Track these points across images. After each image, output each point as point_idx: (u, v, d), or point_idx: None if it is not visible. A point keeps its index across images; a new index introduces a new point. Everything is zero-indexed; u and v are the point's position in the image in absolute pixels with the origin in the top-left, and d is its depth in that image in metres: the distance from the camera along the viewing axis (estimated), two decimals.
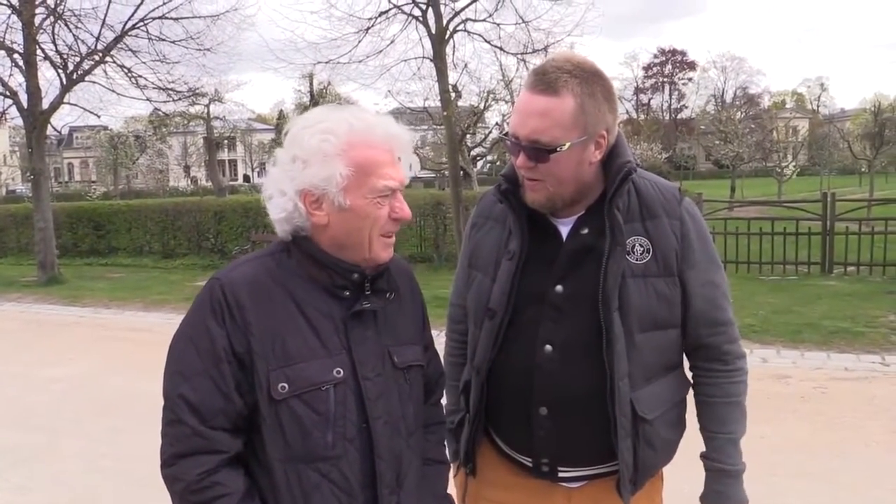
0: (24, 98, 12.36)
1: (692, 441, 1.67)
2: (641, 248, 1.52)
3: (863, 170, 38.66)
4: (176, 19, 12.59)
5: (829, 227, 11.04)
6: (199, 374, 1.28)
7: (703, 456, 1.64)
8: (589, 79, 1.44)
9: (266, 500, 1.33)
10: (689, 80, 75.62)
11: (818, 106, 72.72)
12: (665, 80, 76.86)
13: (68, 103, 12.99)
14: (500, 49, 11.38)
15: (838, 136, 39.04)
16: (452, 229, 11.70)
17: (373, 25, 10.81)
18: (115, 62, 12.76)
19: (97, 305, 10.43)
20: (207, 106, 28.67)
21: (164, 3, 12.43)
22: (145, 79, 12.98)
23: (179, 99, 14.01)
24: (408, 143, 1.38)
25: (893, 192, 31.83)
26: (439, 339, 1.66)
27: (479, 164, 32.19)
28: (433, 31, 10.47)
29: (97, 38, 12.42)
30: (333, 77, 19.36)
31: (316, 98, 28.64)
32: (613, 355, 1.48)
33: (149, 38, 12.63)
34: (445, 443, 1.67)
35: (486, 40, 11.15)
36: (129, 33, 12.49)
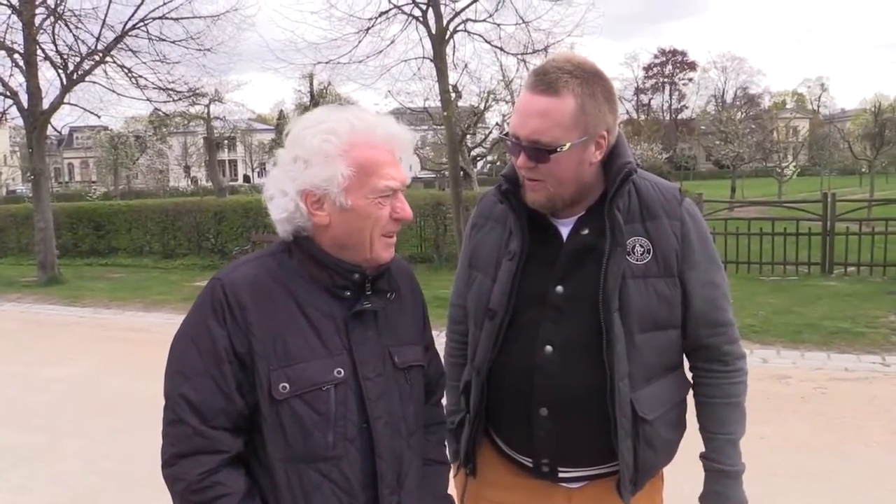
0: (24, 98, 12.37)
1: (692, 441, 1.67)
2: (642, 249, 1.52)
3: (863, 170, 38.65)
4: (176, 19, 12.60)
5: (829, 228, 11.04)
6: (201, 374, 1.28)
7: (703, 456, 1.64)
8: (589, 79, 1.44)
9: (267, 499, 1.33)
10: (690, 80, 75.74)
11: (818, 106, 72.74)
12: (665, 80, 76.88)
13: (68, 103, 13.01)
14: (501, 49, 11.39)
15: (839, 137, 39.01)
16: (452, 229, 11.71)
17: (373, 26, 10.82)
18: (115, 62, 12.77)
19: (97, 305, 10.43)
20: (207, 106, 28.69)
21: (165, 4, 12.45)
22: (145, 79, 12.99)
23: (179, 99, 14.02)
24: (409, 143, 1.38)
25: (894, 192, 31.81)
26: (439, 340, 1.66)
27: (480, 164, 32.22)
28: (433, 31, 10.47)
29: (97, 39, 12.44)
30: (334, 77, 19.39)
31: (316, 98, 28.65)
32: (614, 356, 1.48)
33: (149, 39, 12.65)
34: (446, 443, 1.67)
35: (486, 40, 11.16)
36: (130, 33, 12.49)
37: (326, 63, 11.42)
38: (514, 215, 1.59)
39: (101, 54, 12.52)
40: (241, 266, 1.38)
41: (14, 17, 12.09)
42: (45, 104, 12.51)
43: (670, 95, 77.27)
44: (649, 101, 78.03)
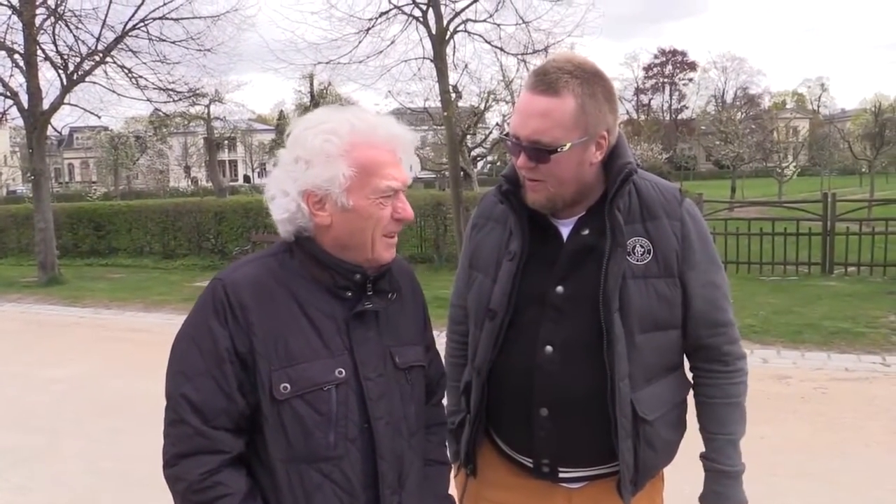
0: (24, 98, 12.37)
1: (692, 441, 1.67)
2: (642, 249, 1.52)
3: (863, 170, 38.64)
4: (176, 20, 12.61)
5: (829, 228, 11.04)
6: (202, 375, 1.29)
7: (703, 456, 1.64)
8: (590, 79, 1.44)
9: (268, 500, 1.33)
10: (690, 80, 75.77)
11: (818, 106, 72.74)
12: (665, 80, 76.89)
13: (69, 104, 13.01)
14: (501, 49, 11.39)
15: (839, 137, 39.02)
16: (453, 230, 11.71)
17: (373, 26, 10.82)
18: (115, 63, 12.77)
19: (97, 306, 10.43)
20: (208, 106, 28.71)
21: (165, 4, 12.46)
22: (146, 79, 13.00)
23: (180, 99, 14.02)
24: (410, 143, 1.38)
25: (894, 192, 31.81)
26: (440, 340, 1.66)
27: (480, 164, 32.22)
28: (433, 31, 10.47)
29: (98, 39, 12.45)
30: (334, 77, 19.39)
31: (316, 98, 28.67)
32: (614, 356, 1.48)
33: (149, 39, 12.65)
34: (446, 443, 1.67)
35: (486, 41, 11.16)
36: (130, 34, 12.49)
37: (327, 63, 11.42)
38: (514, 216, 1.59)
39: (101, 55, 12.52)
40: (242, 266, 1.38)
41: (14, 18, 12.10)
42: (46, 104, 12.52)
43: (670, 95, 77.35)
44: (649, 102, 78.12)
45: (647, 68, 76.95)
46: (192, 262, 14.74)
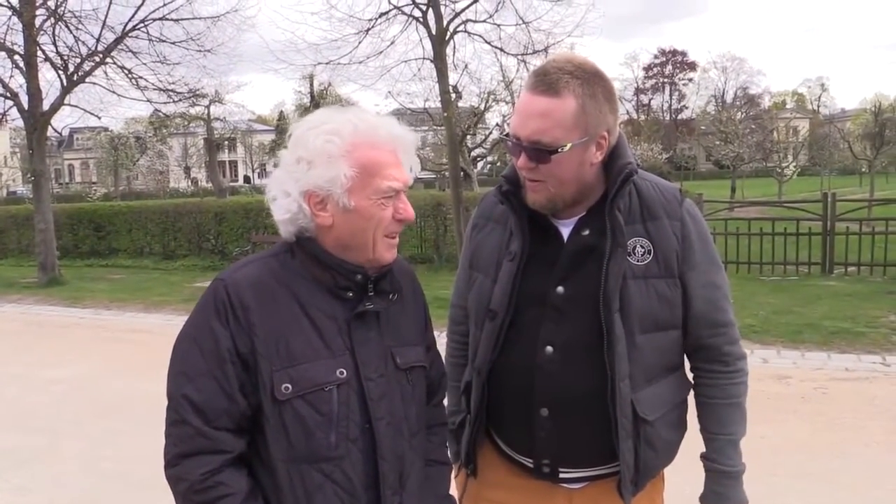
0: (24, 99, 12.38)
1: (693, 442, 1.67)
2: (643, 250, 1.52)
3: (863, 170, 38.65)
4: (176, 20, 12.61)
5: (829, 228, 11.04)
6: (203, 375, 1.29)
7: (703, 457, 1.64)
8: (590, 80, 1.44)
9: (269, 500, 1.33)
10: (690, 80, 75.78)
11: (818, 106, 72.74)
12: (665, 80, 76.90)
13: (69, 105, 13.02)
14: (501, 50, 11.39)
15: (839, 137, 39.00)
16: (453, 230, 11.71)
17: (373, 26, 10.82)
18: (115, 63, 12.78)
19: (98, 307, 10.43)
20: (208, 107, 28.72)
21: (165, 5, 12.46)
22: (146, 80, 13.00)
23: (180, 100, 14.03)
24: (411, 144, 1.39)
25: (894, 192, 31.80)
26: (440, 340, 1.66)
27: (480, 164, 32.22)
28: (433, 32, 10.47)
29: (97, 40, 12.44)
30: (334, 78, 19.42)
31: (316, 99, 28.69)
32: (614, 356, 1.48)
33: (149, 40, 12.65)
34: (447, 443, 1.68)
35: (486, 41, 11.16)
36: (130, 34, 12.50)
37: (327, 64, 11.42)
38: (514, 216, 1.59)
39: (101, 55, 12.52)
40: (243, 267, 1.38)
41: (14, 19, 12.10)
42: (46, 105, 12.52)
43: (670, 96, 77.35)
44: (649, 102, 78.12)
45: (647, 68, 77.06)
46: (193, 262, 14.74)
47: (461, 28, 10.80)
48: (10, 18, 12.13)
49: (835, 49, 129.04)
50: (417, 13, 10.53)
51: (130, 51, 12.70)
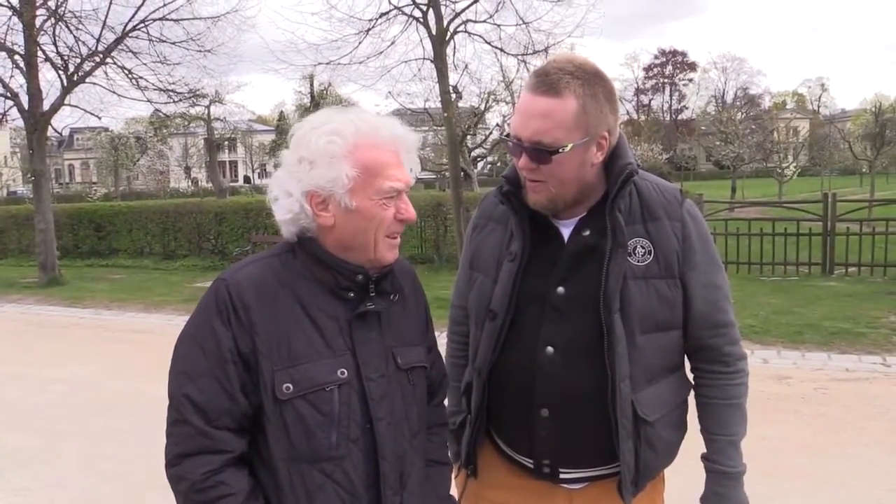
0: (25, 99, 12.38)
1: (693, 442, 1.67)
2: (643, 250, 1.52)
3: (863, 170, 38.67)
4: (176, 21, 12.61)
5: (829, 228, 11.04)
6: (205, 375, 1.29)
7: (704, 458, 1.64)
8: (591, 80, 1.45)
9: (270, 499, 1.33)
10: (690, 80, 75.80)
11: (819, 106, 72.72)
12: (665, 80, 76.91)
13: (69, 105, 13.01)
14: (501, 50, 11.40)
15: (839, 137, 39.01)
16: (453, 230, 11.71)
17: (373, 27, 10.82)
18: (115, 63, 12.78)
19: (98, 307, 10.44)
20: (208, 107, 28.75)
21: (165, 5, 12.46)
22: (146, 80, 13.00)
23: (180, 100, 14.03)
24: (413, 144, 1.39)
25: (894, 192, 31.80)
26: (440, 341, 1.66)
27: (480, 165, 32.20)
28: (434, 32, 10.48)
29: (98, 40, 12.45)
30: (334, 78, 19.42)
31: (316, 99, 28.71)
32: (615, 357, 1.48)
33: (149, 40, 12.65)
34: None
35: (486, 41, 11.17)
36: (130, 35, 12.50)
37: (327, 64, 11.42)
38: (515, 216, 1.59)
39: (101, 55, 12.53)
40: (245, 267, 1.38)
41: (15, 19, 12.11)
42: (46, 105, 12.53)
43: (670, 96, 77.37)
44: (649, 102, 78.13)
45: (648, 69, 77.08)
46: (193, 262, 14.75)
47: (461, 28, 10.81)
48: (10, 18, 12.15)
49: (835, 49, 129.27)
50: (418, 13, 10.54)
51: (131, 51, 12.71)
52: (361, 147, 1.31)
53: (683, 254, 1.54)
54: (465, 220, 9.98)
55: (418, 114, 20.03)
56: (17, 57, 12.21)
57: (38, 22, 12.14)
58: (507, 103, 21.11)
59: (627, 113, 71.25)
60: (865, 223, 11.97)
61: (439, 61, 10.56)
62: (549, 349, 1.53)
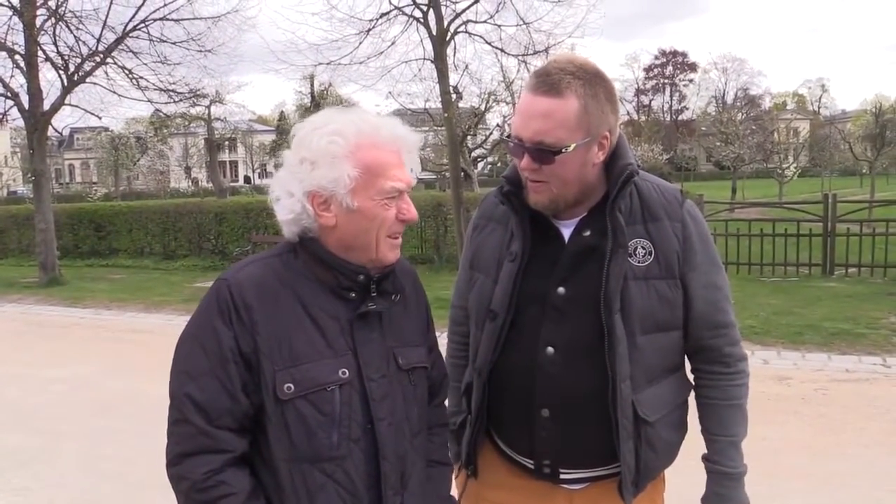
0: (25, 99, 12.38)
1: (694, 443, 1.67)
2: (643, 251, 1.52)
3: (864, 171, 38.63)
4: (177, 21, 12.61)
5: (830, 229, 11.04)
6: (206, 374, 1.29)
7: (705, 458, 1.64)
8: (591, 80, 1.45)
9: (271, 499, 1.33)
10: (690, 81, 75.79)
11: (819, 107, 72.68)
12: (666, 81, 76.89)
13: (69, 105, 13.02)
14: (501, 50, 11.40)
15: (839, 138, 39.05)
16: (453, 230, 11.71)
17: (374, 27, 10.82)
18: (116, 63, 12.78)
19: (98, 307, 10.44)
20: (208, 107, 28.76)
21: (165, 5, 12.46)
22: (146, 80, 13.01)
23: (180, 100, 14.03)
24: (414, 144, 1.39)
25: (894, 193, 31.80)
26: (441, 341, 1.66)
27: (480, 165, 32.20)
28: (434, 32, 10.48)
29: (98, 40, 12.45)
30: (334, 78, 19.44)
31: (317, 99, 28.72)
32: (615, 357, 1.48)
33: (150, 40, 12.66)
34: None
35: (487, 42, 11.17)
36: (131, 35, 12.50)
37: (327, 64, 11.42)
38: (515, 217, 1.59)
39: (101, 55, 12.53)
40: (246, 266, 1.38)
41: (15, 19, 12.11)
42: (46, 105, 12.53)
43: (671, 96, 77.36)
44: (650, 102, 78.10)
45: (648, 69, 77.06)
46: (193, 262, 14.75)
47: (462, 29, 10.81)
48: (10, 18, 12.16)
49: (835, 50, 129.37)
50: (418, 14, 10.54)
51: (131, 51, 12.71)
52: (363, 147, 1.31)
53: (684, 254, 1.54)
54: (466, 220, 9.98)
55: (419, 114, 20.02)
56: (17, 57, 12.22)
57: (38, 22, 12.14)
58: (507, 104, 21.11)
59: (628, 113, 71.24)
60: (866, 224, 11.99)
61: (440, 62, 10.57)
62: (550, 349, 1.53)
